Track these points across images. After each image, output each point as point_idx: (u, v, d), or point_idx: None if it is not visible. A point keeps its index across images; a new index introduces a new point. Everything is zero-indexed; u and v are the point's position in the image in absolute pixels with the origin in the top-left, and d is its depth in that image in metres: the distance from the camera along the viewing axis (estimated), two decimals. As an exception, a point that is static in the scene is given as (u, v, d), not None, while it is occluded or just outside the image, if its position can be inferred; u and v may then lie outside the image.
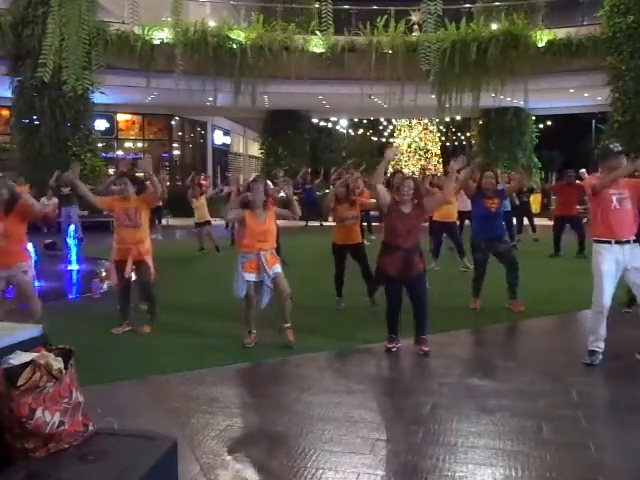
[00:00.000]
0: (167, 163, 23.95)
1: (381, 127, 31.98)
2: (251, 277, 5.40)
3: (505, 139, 22.19)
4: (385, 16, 18.31)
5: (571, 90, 19.11)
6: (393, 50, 17.91)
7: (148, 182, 6.19)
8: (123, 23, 17.14)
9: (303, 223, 17.29)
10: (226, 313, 6.61)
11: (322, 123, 27.19)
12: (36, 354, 2.16)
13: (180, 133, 25.17)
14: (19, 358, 2.13)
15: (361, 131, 32.04)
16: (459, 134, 30.14)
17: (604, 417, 4.09)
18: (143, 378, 4.65)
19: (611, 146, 5.08)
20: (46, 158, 16.22)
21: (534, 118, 23.71)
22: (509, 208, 10.98)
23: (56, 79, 15.27)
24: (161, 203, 11.93)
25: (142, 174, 7.12)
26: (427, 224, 9.14)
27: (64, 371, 2.15)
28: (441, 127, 30.04)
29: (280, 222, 6.11)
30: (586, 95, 19.82)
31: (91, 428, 2.24)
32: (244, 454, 3.38)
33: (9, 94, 16.94)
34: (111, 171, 21.36)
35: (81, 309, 7.29)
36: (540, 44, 17.52)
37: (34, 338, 2.38)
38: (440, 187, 7.90)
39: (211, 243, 12.08)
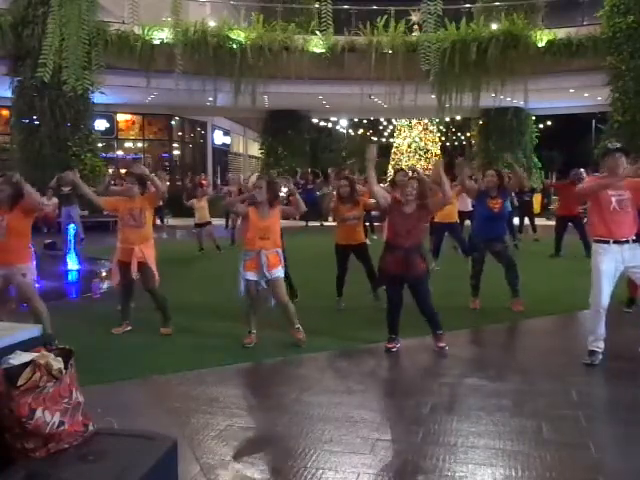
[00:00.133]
0: (167, 163, 23.95)
1: (381, 127, 31.97)
2: (252, 276, 5.38)
3: (505, 139, 22.20)
4: (385, 16, 18.32)
5: (571, 90, 19.12)
6: (393, 50, 17.91)
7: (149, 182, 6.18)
8: (123, 23, 17.15)
9: (303, 223, 17.30)
10: (226, 313, 6.61)
11: (322, 123, 27.19)
12: (36, 354, 2.16)
13: (180, 133, 25.18)
14: (19, 358, 2.13)
15: (361, 131, 32.04)
16: (459, 134, 30.15)
17: (604, 417, 4.09)
18: (143, 378, 4.65)
19: (610, 145, 5.02)
20: (46, 158, 16.23)
21: (534, 118, 23.72)
22: (510, 208, 10.98)
23: (56, 79, 15.27)
24: (161, 202, 11.96)
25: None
26: (428, 224, 9.14)
27: (64, 371, 2.15)
28: (441, 127, 30.04)
29: (281, 222, 6.08)
30: (586, 95, 19.82)
31: (91, 428, 2.24)
32: (244, 454, 3.38)
33: (9, 94, 16.95)
34: (110, 171, 21.40)
35: (81, 309, 7.29)
36: (540, 44, 17.53)
37: (34, 338, 2.38)
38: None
39: (212, 243, 12.08)
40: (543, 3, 18.95)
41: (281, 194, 7.93)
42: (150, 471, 2.06)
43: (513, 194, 10.46)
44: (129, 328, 5.90)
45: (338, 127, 29.80)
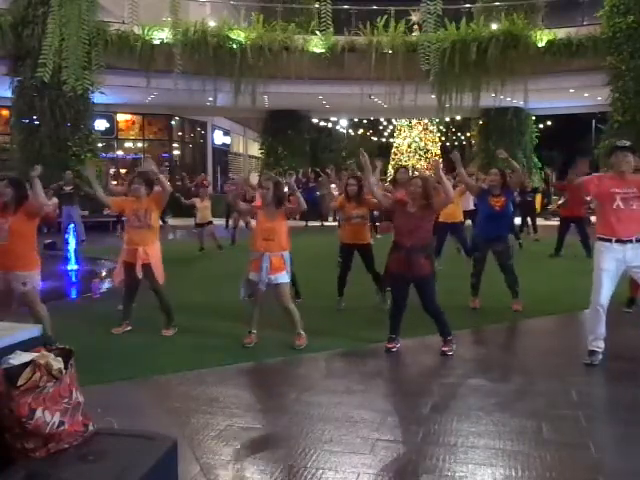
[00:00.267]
0: (167, 163, 23.95)
1: (381, 127, 31.98)
2: (254, 277, 5.37)
3: (505, 139, 22.18)
4: (385, 16, 18.33)
5: (571, 90, 19.11)
6: (393, 50, 17.91)
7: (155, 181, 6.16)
8: (123, 23, 17.15)
9: (303, 223, 17.30)
10: (226, 313, 6.61)
11: (322, 123, 27.18)
12: (36, 354, 2.15)
13: (180, 133, 25.18)
14: (19, 358, 2.13)
15: (361, 131, 32.03)
16: (459, 134, 30.14)
17: (604, 417, 4.09)
18: (143, 378, 4.65)
19: (618, 142, 4.90)
20: (46, 158, 16.17)
21: (534, 118, 23.71)
22: (512, 208, 10.97)
23: (56, 79, 15.28)
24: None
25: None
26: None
27: (64, 371, 2.15)
28: (441, 127, 30.05)
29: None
30: (586, 95, 19.82)
31: (91, 428, 2.24)
32: (244, 454, 3.38)
33: (9, 94, 16.94)
34: (111, 171, 21.41)
35: (81, 309, 7.29)
36: (540, 44, 17.53)
37: (34, 338, 2.38)
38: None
39: (214, 243, 12.09)
40: (543, 3, 18.96)
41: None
42: (150, 471, 2.06)
43: (516, 193, 10.39)
44: (129, 328, 5.90)
45: (338, 127, 29.79)
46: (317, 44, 18.25)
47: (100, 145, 19.59)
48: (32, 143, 16.53)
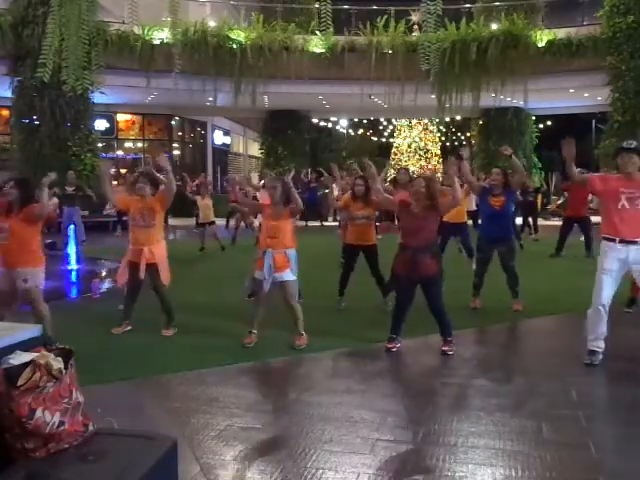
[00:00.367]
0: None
1: (381, 127, 32.00)
2: (259, 275, 5.38)
3: (505, 139, 22.10)
4: (385, 16, 18.34)
5: (571, 90, 19.12)
6: (393, 50, 17.92)
7: (163, 177, 6.16)
8: (123, 23, 17.16)
9: (303, 223, 17.30)
10: (226, 313, 6.62)
11: (322, 123, 27.19)
12: (36, 354, 2.15)
13: (180, 133, 25.18)
14: (19, 358, 2.13)
15: (361, 131, 32.05)
16: (459, 134, 30.17)
17: (604, 417, 4.09)
18: (143, 378, 4.65)
19: (625, 144, 4.89)
20: (46, 158, 16.21)
21: (534, 118, 23.73)
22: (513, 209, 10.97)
23: (56, 79, 15.28)
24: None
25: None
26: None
27: (64, 371, 2.15)
28: (441, 127, 30.07)
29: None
30: (586, 95, 19.82)
31: (91, 428, 2.24)
32: (244, 454, 3.38)
33: (9, 94, 16.94)
34: (111, 171, 21.36)
35: (81, 309, 7.29)
36: (540, 44, 17.54)
37: (34, 338, 2.38)
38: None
39: (216, 243, 12.09)
40: (543, 3, 18.96)
41: None
42: (150, 471, 2.06)
43: (518, 193, 10.35)
44: (129, 328, 5.90)
45: (338, 127, 29.80)
46: (317, 44, 18.26)
47: (100, 145, 19.59)
48: (32, 143, 16.53)
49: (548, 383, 4.53)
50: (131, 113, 23.17)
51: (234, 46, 17.73)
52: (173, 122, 24.23)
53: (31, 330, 2.43)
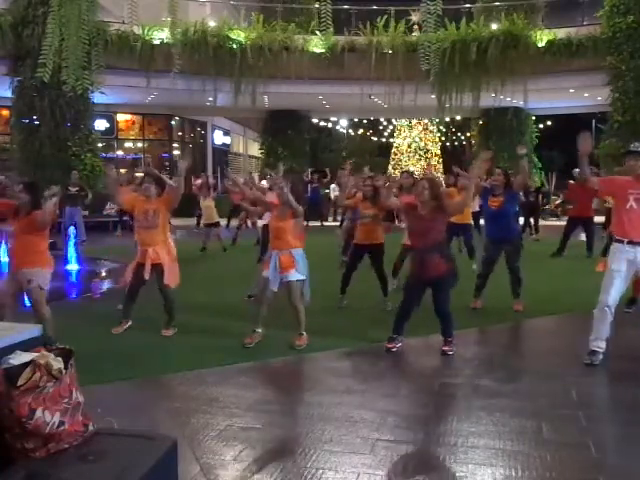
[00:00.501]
0: (167, 163, 23.94)
1: (381, 127, 32.01)
2: (266, 274, 5.42)
3: (505, 139, 22.18)
4: (385, 16, 18.34)
5: (571, 90, 19.12)
6: (393, 50, 17.92)
7: (174, 180, 6.16)
8: (123, 23, 17.16)
9: (304, 223, 17.28)
10: (227, 313, 6.62)
11: (322, 123, 27.19)
12: (36, 354, 2.15)
13: (180, 133, 25.17)
14: (19, 358, 2.13)
15: (361, 131, 32.06)
16: (459, 134, 30.16)
17: (604, 417, 4.09)
18: (143, 378, 4.65)
19: (632, 147, 4.91)
20: (46, 158, 16.22)
21: (534, 118, 23.72)
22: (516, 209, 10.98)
23: (56, 79, 15.28)
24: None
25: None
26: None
27: (64, 371, 2.15)
28: (441, 127, 30.07)
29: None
30: (586, 95, 19.82)
31: (91, 428, 2.24)
32: (244, 454, 3.38)
33: (9, 94, 16.94)
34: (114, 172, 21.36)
35: (81, 309, 7.29)
36: (540, 44, 17.54)
37: (34, 338, 2.38)
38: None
39: (218, 243, 12.09)
40: (543, 3, 18.96)
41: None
42: (150, 471, 2.06)
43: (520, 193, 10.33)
44: (129, 324, 5.90)
45: (338, 127, 29.82)
46: (317, 44, 18.26)
47: (100, 145, 19.60)
48: (32, 143, 16.53)
49: (548, 383, 4.53)
50: (131, 113, 23.17)
51: (234, 46, 17.73)
52: (173, 122, 24.23)
53: (31, 330, 2.43)
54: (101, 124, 21.18)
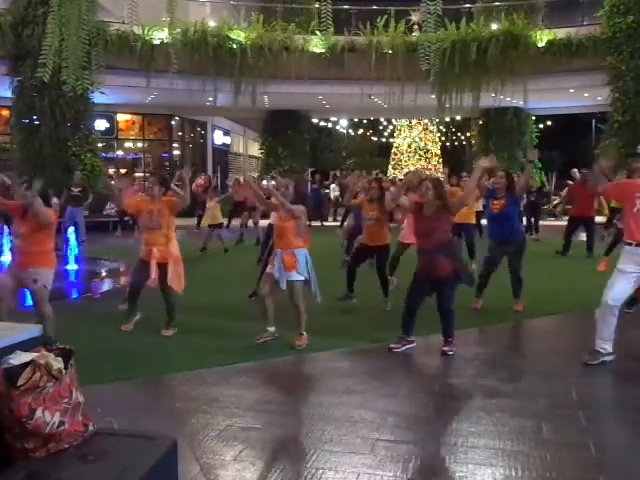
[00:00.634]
0: (167, 163, 23.94)
1: (381, 127, 32.03)
2: (272, 272, 5.44)
3: (505, 139, 22.20)
4: (385, 16, 18.33)
5: (571, 90, 19.12)
6: (393, 50, 17.91)
7: (179, 185, 6.19)
8: (123, 23, 17.15)
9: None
10: (227, 313, 6.62)
11: (322, 123, 27.20)
12: (36, 354, 2.15)
13: (180, 133, 25.17)
14: (19, 358, 2.13)
15: (361, 131, 32.08)
16: (459, 134, 30.18)
17: (604, 417, 4.08)
18: (143, 378, 4.65)
19: (639, 150, 4.99)
20: (46, 158, 16.22)
21: (534, 118, 23.72)
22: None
23: (56, 79, 15.26)
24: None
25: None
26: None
27: (64, 371, 2.15)
28: (441, 127, 30.09)
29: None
30: (586, 95, 19.83)
31: (91, 428, 2.24)
32: (244, 454, 3.38)
33: (9, 94, 16.93)
34: (111, 171, 21.40)
35: (81, 309, 7.29)
36: (540, 44, 17.54)
37: (34, 338, 2.38)
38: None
39: (219, 244, 12.10)
40: (543, 3, 18.96)
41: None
42: (150, 471, 2.06)
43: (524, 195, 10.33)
44: (137, 317, 5.95)
45: (338, 127, 29.84)
46: (317, 44, 18.25)
47: (100, 145, 19.59)
48: (32, 143, 16.52)
49: (548, 383, 4.53)
50: (131, 113, 23.16)
51: (234, 46, 17.72)
52: (173, 122, 24.22)
53: (31, 330, 2.43)
54: (101, 124, 21.17)
